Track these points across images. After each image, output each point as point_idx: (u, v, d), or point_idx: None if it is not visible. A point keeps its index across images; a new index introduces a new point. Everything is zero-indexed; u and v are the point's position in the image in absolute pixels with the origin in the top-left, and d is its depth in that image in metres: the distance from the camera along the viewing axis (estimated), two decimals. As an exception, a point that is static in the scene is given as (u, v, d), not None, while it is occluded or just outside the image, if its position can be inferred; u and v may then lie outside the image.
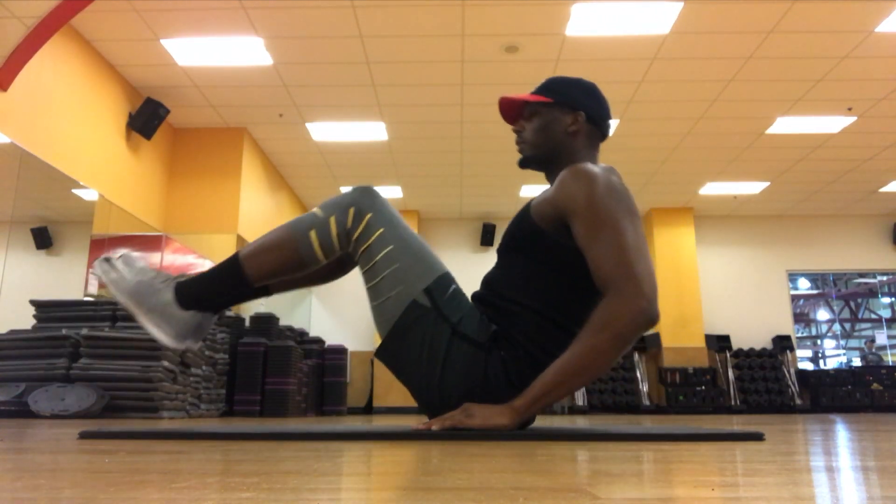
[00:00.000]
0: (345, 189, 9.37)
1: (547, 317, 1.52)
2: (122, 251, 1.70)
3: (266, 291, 1.70)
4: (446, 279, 1.57)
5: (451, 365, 1.49)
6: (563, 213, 1.48)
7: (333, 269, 1.75)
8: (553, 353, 1.51)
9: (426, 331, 1.50)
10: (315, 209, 1.59)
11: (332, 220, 1.56)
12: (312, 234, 1.55)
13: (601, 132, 1.67)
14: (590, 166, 1.49)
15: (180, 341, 1.56)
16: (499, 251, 1.65)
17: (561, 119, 1.64)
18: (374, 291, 1.55)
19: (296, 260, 1.56)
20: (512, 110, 1.72)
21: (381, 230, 1.55)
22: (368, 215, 1.56)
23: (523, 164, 1.70)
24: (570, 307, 1.53)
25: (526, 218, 1.58)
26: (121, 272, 1.58)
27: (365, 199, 1.58)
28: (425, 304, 1.51)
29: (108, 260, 1.62)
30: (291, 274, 1.60)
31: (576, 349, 1.39)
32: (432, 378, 1.49)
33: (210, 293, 1.58)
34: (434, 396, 1.51)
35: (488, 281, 1.64)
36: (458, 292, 1.58)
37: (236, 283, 1.57)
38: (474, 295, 1.65)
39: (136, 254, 1.68)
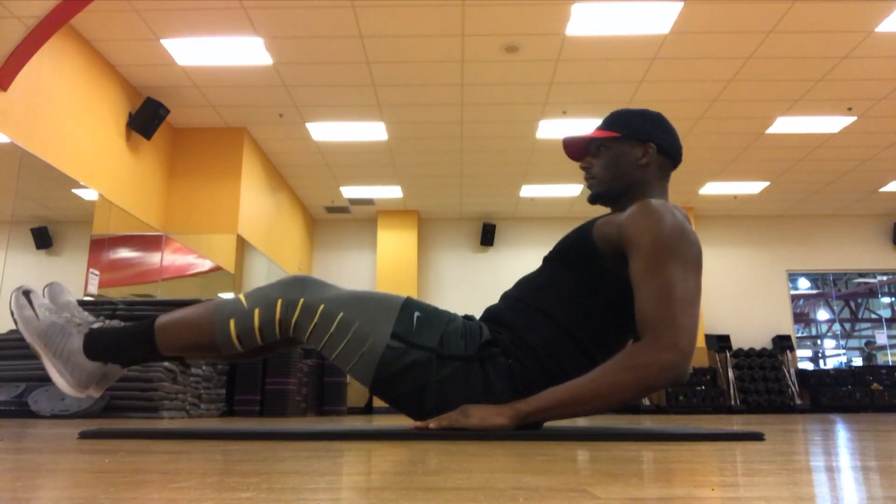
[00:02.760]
0: (345, 189, 9.37)
1: (570, 333, 1.50)
2: (52, 281, 1.66)
3: (181, 360, 1.68)
4: (407, 310, 1.54)
5: (447, 385, 1.47)
6: (625, 242, 1.45)
7: (258, 352, 1.69)
8: (564, 368, 1.50)
9: (411, 368, 1.47)
10: (242, 295, 1.57)
11: (257, 312, 1.53)
12: (232, 323, 1.52)
13: (672, 161, 1.64)
14: (666, 205, 1.46)
15: (80, 390, 1.55)
16: (546, 258, 1.63)
17: (630, 153, 1.59)
18: (342, 358, 1.52)
19: (209, 343, 1.54)
20: (577, 147, 1.69)
21: (322, 306, 1.52)
22: (301, 301, 1.53)
23: (593, 200, 1.66)
24: (598, 332, 1.51)
25: (586, 235, 1.54)
26: (35, 311, 1.56)
27: (291, 288, 1.55)
28: (398, 346, 1.48)
29: (27, 293, 1.58)
30: (205, 354, 1.58)
31: (596, 378, 1.37)
32: (431, 404, 1.48)
33: (118, 349, 1.56)
34: (438, 415, 1.49)
35: (525, 283, 1.61)
36: (426, 315, 1.55)
37: (145, 349, 1.56)
38: (503, 295, 1.63)
39: (63, 288, 1.65)
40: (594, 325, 1.51)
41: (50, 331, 1.54)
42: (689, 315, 1.36)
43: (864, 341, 12.98)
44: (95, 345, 1.54)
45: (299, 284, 1.56)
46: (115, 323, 1.61)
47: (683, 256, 1.40)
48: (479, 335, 1.53)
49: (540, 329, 1.51)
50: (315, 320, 1.52)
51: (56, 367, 1.53)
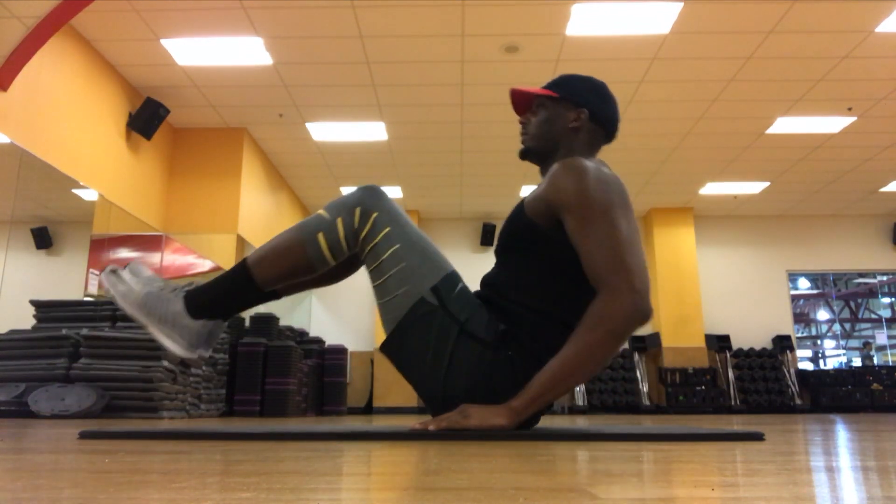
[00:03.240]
0: (345, 189, 9.37)
1: (550, 316, 1.52)
2: (130, 262, 1.69)
3: (275, 295, 1.70)
4: (453, 278, 1.56)
5: (457, 362, 1.48)
6: (555, 207, 1.48)
7: (341, 270, 1.74)
8: (556, 351, 1.51)
9: (433, 328, 1.49)
10: (321, 211, 1.59)
11: (339, 221, 1.55)
12: (321, 237, 1.54)
13: (605, 132, 1.67)
14: (580, 160, 1.49)
15: (192, 350, 1.56)
16: (496, 252, 1.65)
17: (564, 115, 1.64)
18: (380, 289, 1.55)
19: (305, 263, 1.56)
20: (522, 102, 1.73)
21: (388, 229, 1.55)
22: (374, 214, 1.55)
23: (523, 155, 1.72)
24: (571, 304, 1.53)
25: (520, 215, 1.58)
26: (129, 284, 1.58)
27: (370, 198, 1.57)
28: (433, 301, 1.51)
29: (114, 272, 1.61)
30: (301, 277, 1.59)
31: (570, 348, 1.40)
32: (437, 374, 1.49)
33: (220, 301, 1.58)
34: (437, 392, 1.50)
35: (488, 282, 1.63)
36: (466, 291, 1.58)
37: (245, 289, 1.58)
38: (476, 295, 1.65)
39: (142, 265, 1.67)
40: (564, 299, 1.53)
41: (149, 300, 1.56)
42: (634, 255, 1.40)
43: (862, 342, 12.99)
44: (197, 303, 1.56)
45: (376, 196, 1.58)
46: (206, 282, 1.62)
47: (610, 202, 1.43)
48: (497, 327, 1.55)
49: (521, 322, 1.53)
50: (377, 240, 1.55)
51: (164, 332, 1.54)
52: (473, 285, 10.54)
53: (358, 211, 1.56)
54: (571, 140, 1.64)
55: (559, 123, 1.64)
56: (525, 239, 1.56)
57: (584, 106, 1.64)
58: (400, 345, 1.53)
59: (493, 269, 1.65)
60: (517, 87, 1.69)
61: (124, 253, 6.48)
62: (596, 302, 1.40)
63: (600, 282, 1.40)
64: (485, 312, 1.55)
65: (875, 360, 11.67)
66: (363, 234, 1.56)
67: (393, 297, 1.52)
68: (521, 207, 1.59)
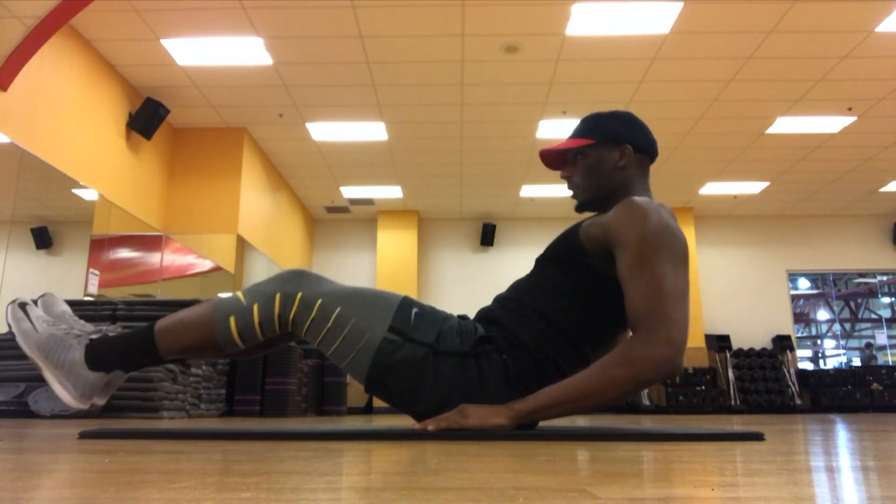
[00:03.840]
0: (344, 189, 9.37)
1: (560, 329, 1.52)
2: (45, 292, 1.66)
3: (182, 360, 1.68)
4: (405, 305, 1.55)
5: (442, 381, 1.48)
6: (612, 241, 1.47)
7: (259, 348, 1.70)
8: (556, 363, 1.52)
9: (407, 362, 1.48)
10: (239, 293, 1.57)
11: (255, 308, 1.53)
12: (232, 321, 1.52)
13: (650, 157, 1.66)
14: (650, 202, 1.47)
15: (83, 401, 1.54)
16: (538, 260, 1.65)
17: (608, 157, 1.62)
18: (339, 354, 1.53)
19: (211, 342, 1.54)
20: (555, 158, 1.71)
21: (320, 301, 1.52)
22: (299, 295, 1.53)
23: (580, 209, 1.68)
24: (587, 328, 1.53)
25: (573, 235, 1.57)
26: (33, 323, 1.55)
27: (289, 283, 1.55)
28: (395, 339, 1.49)
29: (23, 306, 1.57)
30: (206, 354, 1.58)
31: (592, 374, 1.38)
32: (426, 397, 1.49)
33: (120, 359, 1.56)
34: (432, 412, 1.50)
35: (517, 285, 1.63)
36: (423, 312, 1.56)
37: (147, 353, 1.56)
38: (496, 297, 1.65)
39: (57, 298, 1.65)
40: (583, 322, 1.53)
41: (49, 343, 1.53)
42: (679, 309, 1.38)
43: (864, 342, 12.98)
44: (96, 355, 1.54)
45: (296, 278, 1.57)
46: (114, 329, 1.60)
47: (670, 251, 1.42)
48: (474, 332, 1.54)
49: (530, 326, 1.53)
50: (312, 315, 1.53)
51: (58, 379, 1.52)
52: (473, 285, 10.54)
53: (278, 297, 1.53)
54: (624, 178, 1.62)
55: (606, 167, 1.61)
56: (569, 258, 1.56)
57: (625, 142, 1.61)
58: (379, 386, 1.52)
59: (527, 274, 1.66)
60: (546, 148, 1.67)
61: (124, 253, 6.48)
62: (630, 342, 1.39)
63: (640, 325, 1.38)
64: (454, 322, 1.55)
65: (876, 360, 11.66)
66: (291, 316, 1.53)
67: (354, 354, 1.51)
68: (577, 228, 1.58)
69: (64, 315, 1.62)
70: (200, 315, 1.55)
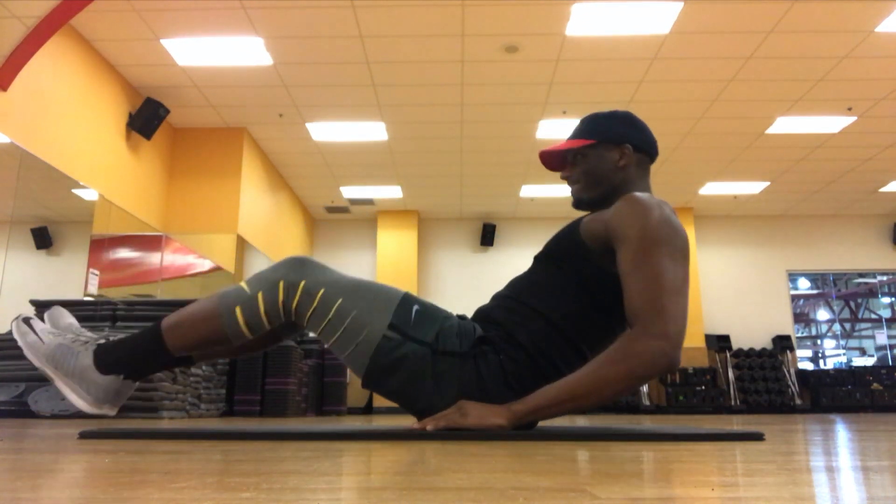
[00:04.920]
0: (345, 189, 9.37)
1: (558, 328, 1.52)
2: (53, 308, 1.65)
3: (190, 360, 1.68)
4: (406, 303, 1.55)
5: (441, 380, 1.48)
6: (613, 237, 1.47)
7: (264, 342, 1.71)
8: (554, 363, 1.51)
9: (406, 360, 1.48)
10: (243, 283, 1.56)
11: (260, 296, 1.53)
12: (238, 311, 1.52)
13: (649, 157, 1.66)
14: (651, 198, 1.48)
15: (98, 406, 1.53)
16: (536, 258, 1.64)
17: (607, 156, 1.62)
18: (338, 345, 1.53)
19: (220, 335, 1.54)
20: (556, 159, 1.71)
21: (322, 290, 1.52)
22: (302, 283, 1.53)
23: (579, 207, 1.68)
24: (585, 327, 1.53)
25: (574, 232, 1.57)
26: (39, 335, 1.55)
27: (293, 271, 1.55)
28: (395, 336, 1.49)
29: (27, 321, 1.58)
30: (215, 347, 1.58)
31: (589, 373, 1.38)
32: (425, 396, 1.49)
33: (130, 360, 1.55)
34: (430, 411, 1.50)
35: (515, 283, 1.63)
36: (423, 309, 1.56)
37: (156, 353, 1.55)
38: (494, 295, 1.65)
39: (63, 312, 1.65)
40: (582, 321, 1.53)
41: (57, 352, 1.53)
42: (677, 303, 1.38)
43: (875, 343, 12.94)
44: (106, 358, 1.53)
45: (300, 266, 1.57)
46: (118, 338, 1.60)
47: (670, 246, 1.42)
48: (473, 333, 1.54)
49: (527, 324, 1.52)
50: (314, 305, 1.53)
51: (70, 386, 1.52)
52: (473, 285, 10.54)
53: (282, 285, 1.53)
54: (624, 177, 1.62)
55: (605, 166, 1.62)
56: (569, 254, 1.55)
57: (625, 141, 1.62)
58: (378, 382, 1.52)
59: (525, 272, 1.65)
60: (546, 149, 1.67)
61: (124, 253, 6.48)
62: (626, 337, 1.38)
63: (637, 319, 1.38)
64: (454, 321, 1.55)
65: (875, 360, 11.65)
66: (294, 305, 1.53)
67: (354, 346, 1.51)
68: (577, 224, 1.57)
69: (70, 327, 1.62)
70: (207, 309, 1.54)
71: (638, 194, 1.48)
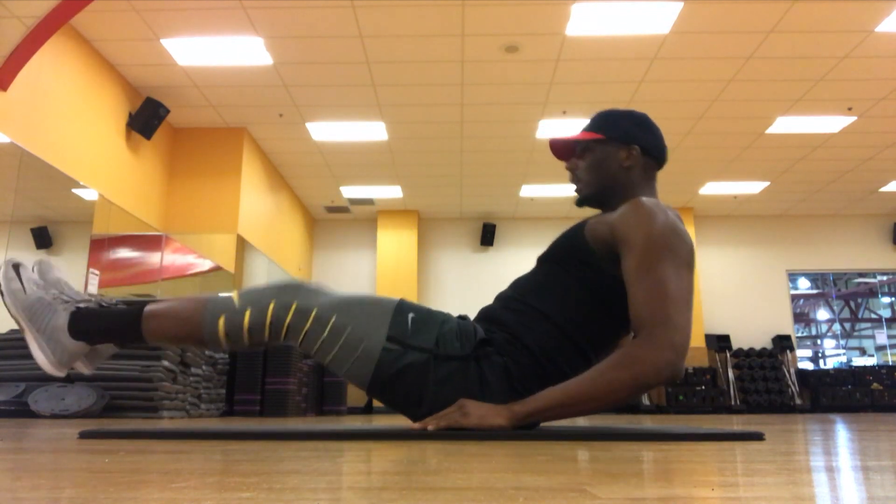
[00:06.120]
0: (345, 189, 9.37)
1: (563, 330, 1.51)
2: (42, 258, 1.66)
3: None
4: (401, 312, 1.53)
5: (445, 385, 1.47)
6: (618, 241, 1.46)
7: (246, 348, 1.71)
8: (559, 365, 1.51)
9: (408, 369, 1.47)
10: (234, 294, 1.55)
11: (248, 312, 1.51)
12: (221, 321, 1.51)
13: (657, 162, 1.64)
14: (658, 204, 1.46)
15: (60, 368, 1.54)
16: (539, 259, 1.63)
17: (614, 154, 1.60)
18: (336, 363, 1.51)
19: (196, 338, 1.53)
20: (564, 149, 1.70)
21: (315, 310, 1.51)
22: (294, 304, 1.52)
23: (580, 203, 1.67)
24: (590, 329, 1.52)
25: (578, 234, 1.55)
26: (24, 284, 1.55)
27: (285, 292, 1.54)
28: (395, 348, 1.48)
29: (17, 266, 1.58)
30: (187, 345, 1.58)
31: (593, 377, 1.37)
32: (427, 401, 1.48)
33: (102, 332, 1.55)
34: (434, 412, 1.50)
35: (519, 283, 1.62)
36: (419, 316, 1.54)
37: (130, 334, 1.56)
38: (497, 296, 1.64)
39: (54, 266, 1.64)
40: (587, 323, 1.52)
41: (36, 305, 1.54)
42: (682, 313, 1.37)
43: (875, 343, 12.91)
44: (80, 324, 1.54)
45: (293, 289, 1.55)
46: (108, 299, 1.60)
47: (676, 254, 1.41)
48: (474, 335, 1.53)
49: (533, 327, 1.52)
50: (308, 325, 1.51)
51: (38, 342, 1.52)
52: (473, 285, 10.54)
53: (272, 306, 1.51)
54: (628, 178, 1.60)
55: (611, 164, 1.60)
56: (573, 256, 1.54)
57: (634, 142, 1.60)
58: (381, 391, 1.51)
59: (528, 273, 1.64)
60: (557, 137, 1.65)
61: (124, 253, 6.48)
62: (632, 344, 1.38)
63: (642, 328, 1.37)
64: (454, 324, 1.54)
65: (876, 360, 11.64)
66: (285, 326, 1.52)
67: (353, 362, 1.50)
68: (581, 227, 1.56)
69: (58, 282, 1.61)
70: (191, 309, 1.54)
71: (644, 199, 1.47)
